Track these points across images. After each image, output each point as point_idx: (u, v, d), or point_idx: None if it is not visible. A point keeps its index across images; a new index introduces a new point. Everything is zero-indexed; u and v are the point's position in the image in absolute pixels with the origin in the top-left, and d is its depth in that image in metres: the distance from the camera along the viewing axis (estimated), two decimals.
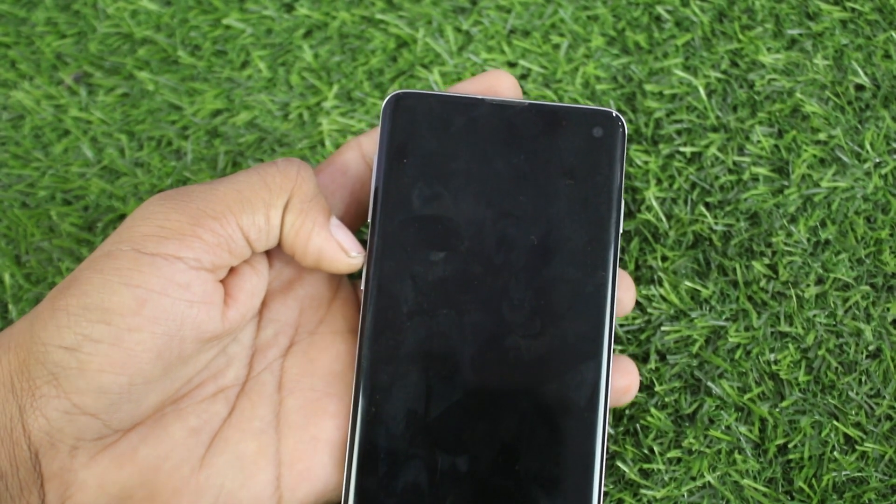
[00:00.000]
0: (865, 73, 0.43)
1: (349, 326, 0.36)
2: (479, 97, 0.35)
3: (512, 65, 0.44)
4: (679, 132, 0.43)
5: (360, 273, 0.35)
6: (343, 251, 0.34)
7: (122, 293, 0.29)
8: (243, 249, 0.32)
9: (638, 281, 0.41)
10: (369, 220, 0.35)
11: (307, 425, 0.33)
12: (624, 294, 0.36)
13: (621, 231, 0.35)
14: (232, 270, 0.33)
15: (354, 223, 0.37)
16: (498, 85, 0.36)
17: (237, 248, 0.32)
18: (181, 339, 0.30)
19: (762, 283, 0.40)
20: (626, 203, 0.42)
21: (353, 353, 0.35)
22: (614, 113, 0.35)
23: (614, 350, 0.40)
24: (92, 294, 0.29)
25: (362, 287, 0.34)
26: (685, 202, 0.42)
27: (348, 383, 0.34)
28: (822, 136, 0.42)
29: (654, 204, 0.41)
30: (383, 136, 0.35)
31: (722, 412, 0.39)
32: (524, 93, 0.44)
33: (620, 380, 0.35)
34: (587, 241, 0.34)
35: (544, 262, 0.34)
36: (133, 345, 0.29)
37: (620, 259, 0.41)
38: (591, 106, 0.37)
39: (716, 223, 0.41)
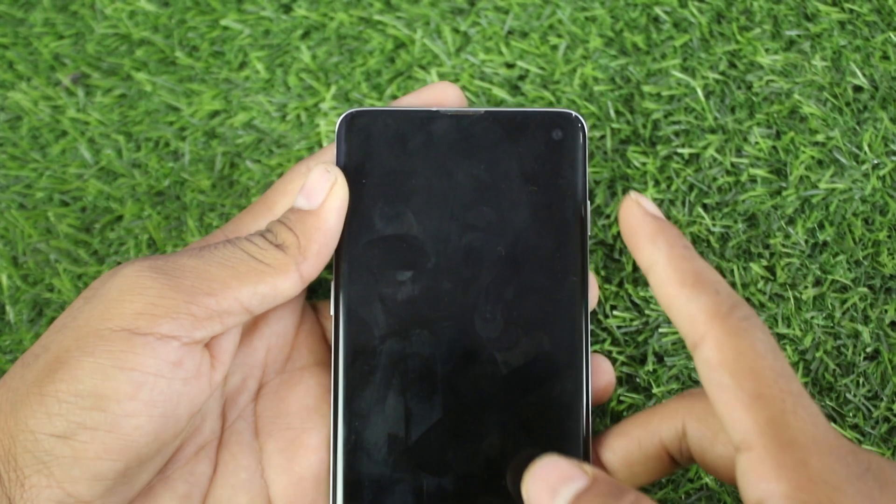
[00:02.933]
0: (863, 75, 0.43)
1: (316, 359, 0.35)
2: (434, 109, 0.35)
3: (510, 66, 0.44)
4: (677, 133, 0.43)
5: (328, 300, 0.35)
6: (322, 188, 0.33)
7: (116, 378, 0.28)
8: (238, 318, 0.31)
9: (636, 282, 0.41)
10: None
11: (292, 465, 0.33)
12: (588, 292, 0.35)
13: (589, 233, 0.34)
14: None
15: None
16: (443, 97, 0.35)
17: (231, 320, 0.31)
18: (177, 418, 0.29)
19: (760, 285, 0.40)
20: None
21: (323, 385, 0.35)
22: (573, 114, 0.35)
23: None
24: (84, 379, 0.28)
25: (331, 313, 0.34)
26: (683, 203, 0.42)
27: (323, 415, 0.34)
28: (820, 138, 0.42)
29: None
30: (340, 157, 0.34)
31: None
32: (522, 94, 0.44)
33: (597, 381, 0.35)
34: (555, 247, 0.34)
35: (514, 272, 0.34)
36: (131, 430, 0.28)
37: (617, 259, 0.41)
38: (549, 108, 0.37)
39: (713, 225, 0.41)
